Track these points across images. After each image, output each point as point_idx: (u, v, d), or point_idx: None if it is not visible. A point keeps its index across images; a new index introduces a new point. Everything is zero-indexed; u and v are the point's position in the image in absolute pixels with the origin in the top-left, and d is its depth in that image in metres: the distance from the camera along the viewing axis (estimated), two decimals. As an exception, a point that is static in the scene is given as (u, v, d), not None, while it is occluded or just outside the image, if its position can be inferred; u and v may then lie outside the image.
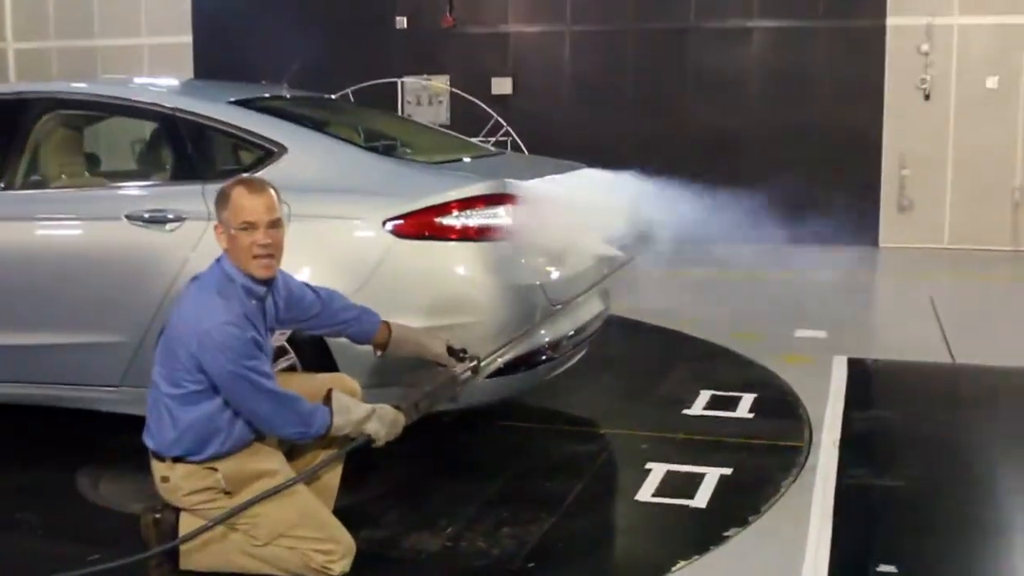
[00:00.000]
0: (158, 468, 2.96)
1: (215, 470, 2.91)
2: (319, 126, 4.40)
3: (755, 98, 10.48)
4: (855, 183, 10.04)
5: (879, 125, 10.10)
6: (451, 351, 3.31)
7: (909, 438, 4.48)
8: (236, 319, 2.82)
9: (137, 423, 3.09)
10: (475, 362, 3.32)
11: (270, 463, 2.99)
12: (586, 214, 4.07)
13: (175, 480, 2.93)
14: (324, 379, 3.22)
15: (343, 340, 3.38)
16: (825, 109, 10.20)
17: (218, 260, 2.96)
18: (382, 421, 2.99)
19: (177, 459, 2.91)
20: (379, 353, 3.33)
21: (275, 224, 2.91)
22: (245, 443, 2.96)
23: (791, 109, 10.29)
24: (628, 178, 4.15)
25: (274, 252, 2.93)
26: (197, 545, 2.91)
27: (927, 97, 9.97)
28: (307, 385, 3.11)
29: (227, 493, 2.92)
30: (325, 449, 3.11)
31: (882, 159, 10.14)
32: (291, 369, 3.64)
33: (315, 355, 3.65)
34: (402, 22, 11.38)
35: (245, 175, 3.40)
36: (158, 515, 2.98)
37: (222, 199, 2.94)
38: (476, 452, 4.35)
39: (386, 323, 3.31)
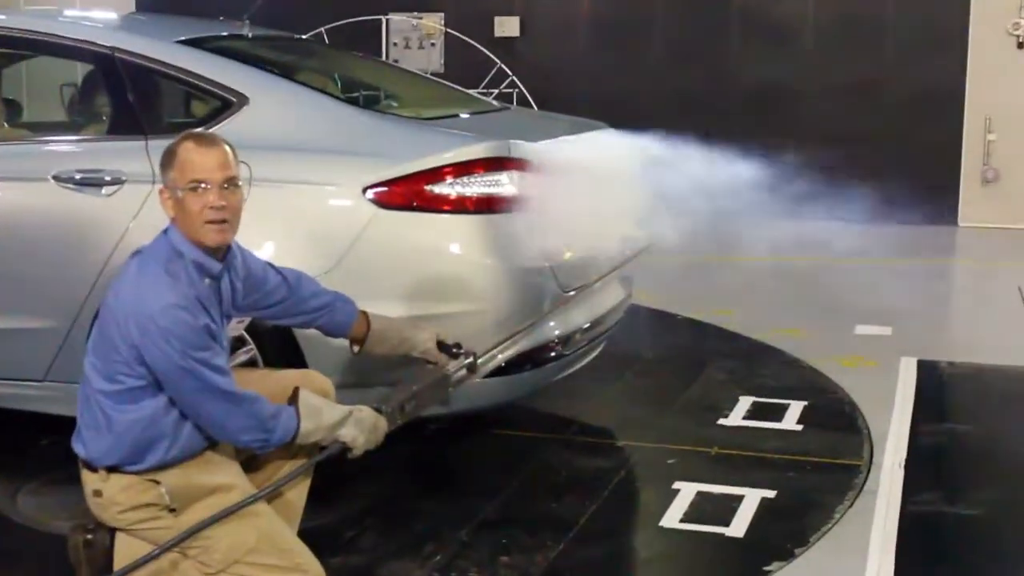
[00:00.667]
0: (90, 479, 2.97)
1: (157, 483, 2.92)
2: (287, 72, 4.40)
3: (811, 46, 10.45)
4: (930, 150, 10.03)
5: (960, 80, 10.08)
6: (442, 346, 3.32)
7: (988, 458, 4.49)
8: (186, 302, 2.83)
9: (66, 425, 3.10)
10: (471, 359, 3.32)
11: (224, 476, 3.00)
12: (606, 184, 4.07)
13: (110, 494, 2.93)
14: (290, 376, 3.22)
15: (313, 331, 3.39)
16: (895, 60, 10.18)
17: (165, 231, 2.96)
18: (360, 426, 2.99)
19: (112, 469, 2.92)
20: (356, 349, 3.34)
21: (230, 183, 2.92)
22: (194, 451, 2.97)
23: (854, 60, 10.26)
24: (656, 141, 4.15)
25: (229, 217, 2.92)
26: (143, 575, 2.93)
27: (1020, 46, 9.95)
28: (269, 383, 3.12)
29: (172, 510, 2.93)
30: (291, 459, 3.12)
31: (963, 121, 10.13)
32: (251, 364, 3.66)
33: (279, 347, 3.67)
34: (387, -53, 11.39)
35: (196, 130, 3.40)
36: (89, 536, 2.98)
37: (168, 158, 2.94)
38: (470, 466, 4.36)
39: (364, 313, 3.31)
